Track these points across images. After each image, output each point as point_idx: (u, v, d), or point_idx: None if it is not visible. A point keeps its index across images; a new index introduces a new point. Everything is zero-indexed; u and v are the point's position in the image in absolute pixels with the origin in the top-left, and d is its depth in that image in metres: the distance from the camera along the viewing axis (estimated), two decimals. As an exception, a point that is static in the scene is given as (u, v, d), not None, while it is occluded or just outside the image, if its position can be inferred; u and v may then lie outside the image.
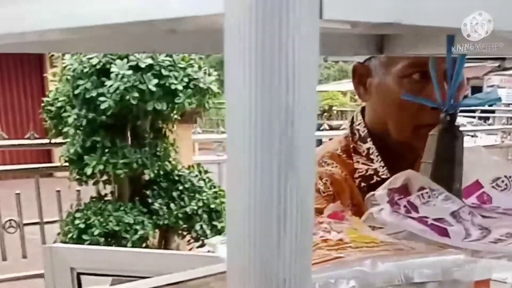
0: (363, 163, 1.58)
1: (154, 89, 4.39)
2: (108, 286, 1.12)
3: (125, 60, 4.36)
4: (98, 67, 4.46)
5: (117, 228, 4.78)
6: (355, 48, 1.23)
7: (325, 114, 17.30)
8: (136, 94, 4.37)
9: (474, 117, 15.90)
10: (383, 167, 1.56)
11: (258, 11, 0.39)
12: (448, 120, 1.17)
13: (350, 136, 1.65)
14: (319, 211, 1.22)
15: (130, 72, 4.35)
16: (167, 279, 0.97)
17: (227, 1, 0.40)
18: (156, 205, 5.07)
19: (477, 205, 1.20)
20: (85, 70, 4.48)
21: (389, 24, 0.44)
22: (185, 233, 5.33)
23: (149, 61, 4.36)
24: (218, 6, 0.40)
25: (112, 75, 4.36)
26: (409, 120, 1.50)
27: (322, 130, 6.44)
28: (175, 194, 5.12)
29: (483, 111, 15.74)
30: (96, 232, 4.78)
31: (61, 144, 5.05)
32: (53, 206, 5.46)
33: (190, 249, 5.37)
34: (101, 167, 4.69)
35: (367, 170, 1.57)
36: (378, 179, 1.54)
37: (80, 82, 4.49)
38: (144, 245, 4.92)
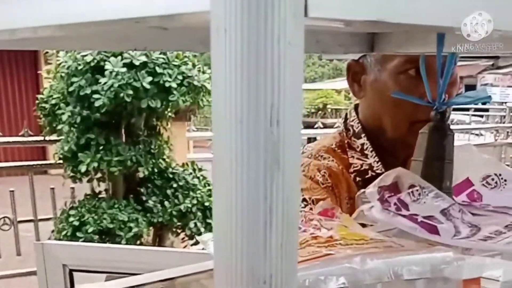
0: (357, 158, 1.59)
1: (148, 86, 4.39)
2: (100, 283, 1.12)
3: (119, 57, 4.36)
4: (92, 64, 4.47)
5: (111, 226, 4.79)
6: (346, 46, 1.23)
7: (320, 112, 17.30)
8: (130, 92, 4.37)
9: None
10: (377, 162, 1.57)
11: (244, 9, 0.39)
12: (439, 118, 1.18)
13: (344, 132, 1.66)
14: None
15: (124, 69, 4.35)
16: (158, 276, 0.97)
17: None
18: (150, 203, 5.07)
19: (468, 203, 1.21)
20: (80, 68, 4.49)
21: (374, 22, 0.45)
22: (179, 230, 5.34)
23: (143, 58, 4.37)
24: (204, 4, 0.41)
25: (106, 73, 4.36)
26: (404, 116, 1.51)
27: (316, 128, 6.45)
28: (169, 191, 5.13)
29: (477, 110, 15.78)
30: (90, 230, 4.78)
31: (55, 141, 5.05)
32: (48, 203, 5.46)
33: (185, 247, 5.38)
34: (95, 164, 4.70)
35: (362, 165, 1.58)
36: (373, 174, 1.55)
37: (75, 79, 4.50)
38: (138, 242, 4.93)
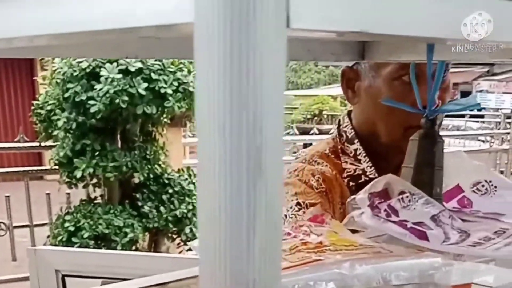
0: (351, 163, 1.60)
1: (143, 92, 4.40)
2: (93, 288, 1.13)
3: (115, 64, 4.37)
4: (88, 70, 4.47)
5: (106, 231, 4.79)
6: (337, 54, 1.24)
7: (316, 118, 17.30)
8: (126, 98, 4.38)
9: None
10: (370, 167, 1.58)
11: (226, 21, 0.40)
12: (429, 125, 1.19)
13: (338, 137, 1.67)
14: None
15: (119, 75, 4.36)
16: (148, 281, 0.98)
17: (197, 11, 0.41)
18: (146, 208, 5.07)
19: (458, 209, 1.22)
20: (75, 74, 4.49)
21: (356, 33, 0.46)
22: (174, 236, 5.34)
23: (139, 65, 4.38)
24: (188, 15, 0.41)
25: (102, 79, 4.37)
26: (398, 122, 1.51)
27: (312, 134, 6.46)
28: (164, 197, 5.13)
29: (472, 116, 15.79)
30: (85, 235, 4.78)
31: (51, 147, 5.05)
32: (44, 209, 5.46)
33: (180, 252, 5.39)
34: (91, 170, 4.70)
35: (355, 170, 1.59)
36: (366, 178, 1.56)
37: (70, 85, 4.50)
38: (134, 248, 4.93)
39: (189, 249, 5.14)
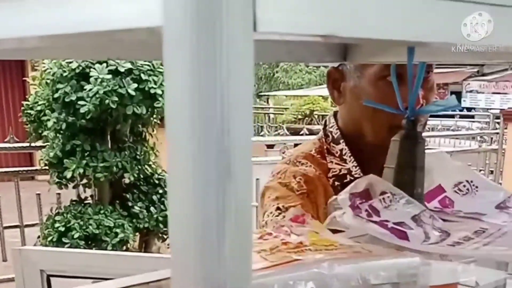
0: (336, 163, 1.61)
1: (133, 93, 4.41)
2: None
3: (104, 64, 4.38)
4: (77, 71, 4.48)
5: (97, 231, 4.79)
6: (319, 56, 1.25)
7: (306, 118, 17.30)
8: (116, 98, 4.38)
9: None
10: (356, 167, 1.58)
11: (194, 25, 0.41)
12: (410, 126, 1.20)
13: (324, 138, 1.68)
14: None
15: (109, 76, 4.37)
16: (131, 280, 0.98)
17: (166, 15, 0.42)
18: (136, 209, 5.08)
19: (439, 209, 1.23)
20: (65, 74, 4.50)
21: (324, 37, 0.47)
22: (165, 236, 5.35)
23: (129, 65, 4.39)
24: (156, 19, 0.42)
25: (92, 79, 4.38)
26: (383, 122, 1.51)
27: (302, 134, 6.47)
28: (155, 197, 5.14)
29: (462, 116, 15.84)
30: (76, 235, 4.78)
31: (41, 147, 5.06)
32: (35, 209, 5.46)
33: (170, 253, 5.39)
34: (81, 170, 4.71)
35: (340, 170, 1.59)
36: (352, 178, 1.56)
37: (60, 86, 4.51)
38: (124, 248, 4.94)
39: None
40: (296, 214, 1.07)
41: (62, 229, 4.85)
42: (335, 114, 1.71)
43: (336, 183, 1.59)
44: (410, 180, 1.18)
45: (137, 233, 5.20)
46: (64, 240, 4.82)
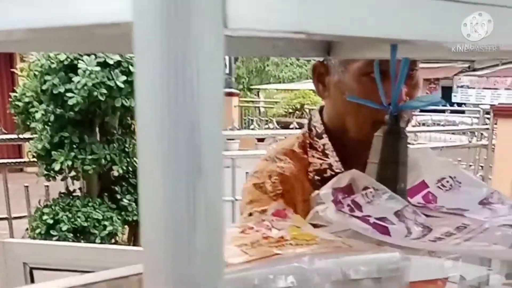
0: (318, 158, 1.60)
1: (122, 85, 4.40)
2: (53, 281, 1.13)
3: (93, 56, 4.37)
4: (66, 63, 4.47)
5: (85, 224, 4.78)
6: (303, 51, 1.25)
7: (297, 112, 17.30)
8: (104, 91, 4.38)
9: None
10: (337, 161, 1.58)
11: (163, 21, 0.41)
12: (393, 121, 1.20)
13: (308, 132, 1.68)
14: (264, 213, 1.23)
15: (98, 68, 4.36)
16: (111, 274, 0.98)
17: (135, 10, 0.42)
18: (125, 201, 5.08)
19: (423, 204, 1.23)
20: (53, 66, 4.49)
21: (296, 33, 0.47)
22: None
23: (117, 57, 4.38)
24: (126, 15, 0.42)
25: (80, 71, 4.37)
26: (367, 117, 1.51)
27: (292, 128, 6.47)
28: (144, 190, 5.12)
29: (453, 111, 15.85)
30: (64, 228, 4.78)
31: (29, 139, 5.05)
32: (24, 201, 5.44)
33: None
34: (69, 162, 4.70)
35: (321, 164, 1.59)
36: (332, 173, 1.56)
37: (48, 77, 4.50)
38: (113, 241, 4.94)
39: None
40: (277, 209, 1.07)
41: (50, 221, 4.84)
42: (321, 109, 1.71)
43: (316, 177, 1.58)
44: (393, 176, 1.19)
45: (126, 226, 5.20)
46: (52, 232, 4.81)
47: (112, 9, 0.44)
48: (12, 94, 4.95)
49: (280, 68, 25.65)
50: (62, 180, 5.18)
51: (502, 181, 7.05)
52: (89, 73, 4.34)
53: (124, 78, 4.40)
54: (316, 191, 1.14)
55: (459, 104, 18.41)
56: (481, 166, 8.99)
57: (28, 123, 4.91)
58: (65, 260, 1.28)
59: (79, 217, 4.79)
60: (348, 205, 1.10)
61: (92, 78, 4.33)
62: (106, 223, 4.84)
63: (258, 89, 24.95)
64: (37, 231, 4.87)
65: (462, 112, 17.28)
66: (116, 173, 5.09)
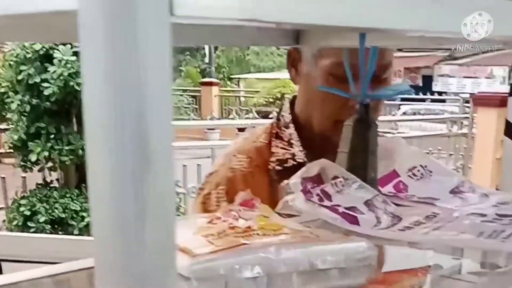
0: (282, 148, 1.60)
1: (99, 75, 4.38)
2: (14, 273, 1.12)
3: (69, 46, 4.34)
4: (41, 52, 4.44)
5: (63, 215, 4.77)
6: (273, 39, 1.24)
7: (277, 102, 17.31)
8: (80, 80, 4.35)
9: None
10: (301, 151, 1.58)
11: (108, 8, 0.40)
12: (362, 110, 1.20)
13: (276, 122, 1.67)
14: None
15: (74, 58, 4.33)
16: (78, 265, 0.98)
17: (80, -2, 0.41)
18: (103, 192, 5.05)
19: (394, 193, 1.23)
20: (28, 56, 4.46)
21: (246, 21, 0.46)
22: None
23: (94, 47, 4.36)
24: (72, 2, 0.41)
25: (55, 61, 4.35)
26: (330, 115, 1.52)
27: (271, 118, 6.46)
28: (122, 181, 5.11)
29: (433, 100, 15.93)
30: (42, 219, 4.76)
31: (5, 130, 5.02)
32: (0, 193, 5.42)
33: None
34: (46, 153, 4.68)
35: (284, 154, 1.59)
36: (294, 162, 1.56)
37: (23, 67, 4.47)
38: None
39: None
40: (245, 199, 1.07)
41: (28, 213, 4.82)
42: (293, 98, 1.71)
43: (277, 167, 1.58)
44: (363, 165, 1.18)
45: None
46: (29, 224, 4.79)
47: (57, -3, 0.43)
48: (-13, 85, 4.92)
49: (260, 57, 25.63)
50: (39, 171, 5.15)
51: (482, 169, 7.10)
52: (65, 63, 4.32)
53: (101, 68, 4.38)
54: (285, 181, 1.13)
55: (440, 93, 18.50)
56: (462, 155, 9.05)
57: (4, 114, 4.89)
58: (35, 251, 1.27)
59: (56, 208, 4.77)
60: (317, 195, 1.09)
61: (68, 67, 4.31)
62: (84, 214, 4.82)
63: (239, 78, 24.95)
64: (14, 222, 4.85)
65: (443, 101, 17.37)
66: (94, 164, 5.07)
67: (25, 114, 4.68)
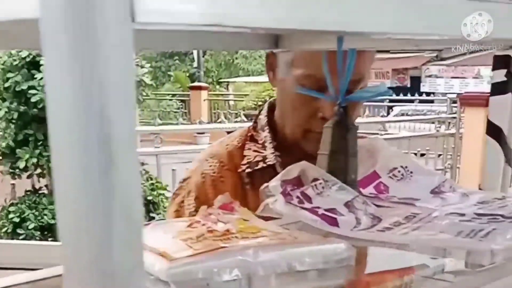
0: (254, 151, 1.60)
1: (86, 81, 4.38)
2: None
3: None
4: (28, 59, 4.44)
5: (52, 222, 4.76)
6: (250, 43, 1.25)
7: (266, 105, 17.28)
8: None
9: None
10: (272, 153, 1.58)
11: (70, 17, 0.41)
12: (341, 113, 1.20)
13: (253, 125, 1.68)
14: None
15: (60, 64, 4.33)
16: (58, 270, 0.98)
17: (42, 6, 0.41)
18: (92, 198, 5.04)
19: (374, 195, 1.24)
20: (15, 63, 4.46)
21: (210, 26, 0.46)
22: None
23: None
24: (34, 11, 0.42)
25: (43, 68, 4.33)
26: (300, 123, 1.53)
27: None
28: (111, 187, 5.11)
29: (421, 101, 15.96)
30: (31, 226, 4.76)
31: (-7, 138, 5.01)
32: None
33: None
34: (35, 160, 4.67)
35: (255, 157, 1.59)
36: (264, 165, 1.57)
37: (10, 75, 4.47)
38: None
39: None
40: (224, 202, 1.07)
41: (17, 220, 4.81)
42: (273, 102, 1.71)
43: (247, 170, 1.59)
44: (343, 167, 1.19)
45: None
46: (19, 231, 4.78)
47: (20, 6, 0.43)
48: (-25, 92, 4.91)
49: (249, 61, 25.61)
50: (28, 177, 5.14)
51: (470, 169, 7.11)
52: (52, 70, 4.31)
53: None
54: (265, 184, 1.14)
55: (428, 94, 18.55)
56: (450, 155, 9.08)
57: (-9, 121, 4.88)
58: (8, 258, 1.27)
59: (45, 214, 4.76)
60: (297, 197, 1.10)
61: (55, 74, 4.31)
62: (74, 220, 4.80)
63: (227, 82, 24.94)
64: (4, 230, 4.85)
65: (431, 101, 17.40)
66: (82, 170, 5.06)
67: (13, 121, 4.68)
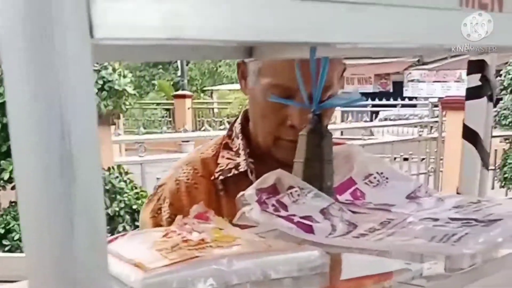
0: (228, 158, 1.61)
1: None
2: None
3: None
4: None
5: (37, 233, 4.73)
6: (224, 52, 1.25)
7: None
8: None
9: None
10: (245, 160, 1.59)
11: (28, 33, 0.41)
12: (315, 120, 1.21)
13: (229, 132, 1.69)
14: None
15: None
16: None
17: (1, 22, 0.42)
18: (77, 208, 5.03)
19: (351, 201, 1.24)
20: (-1, 74, 4.45)
21: (170, 40, 0.47)
22: (108, 234, 5.31)
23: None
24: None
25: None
26: (270, 131, 1.54)
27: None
28: (96, 197, 5.10)
29: (404, 106, 16.00)
30: (16, 237, 4.75)
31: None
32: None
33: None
34: (18, 171, 4.65)
35: (227, 164, 1.60)
36: (236, 172, 1.58)
37: (-6, 86, 4.46)
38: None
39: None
40: (199, 212, 1.08)
41: (2, 231, 4.80)
42: (247, 111, 1.72)
43: (220, 177, 1.59)
44: (319, 174, 1.20)
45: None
46: (4, 242, 4.77)
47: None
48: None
49: (232, 69, 25.57)
50: (12, 189, 5.12)
51: (453, 173, 7.11)
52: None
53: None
54: (241, 192, 1.14)
55: (410, 98, 18.61)
56: (433, 159, 9.10)
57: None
58: (13, 271, 1.27)
59: (30, 226, 4.75)
60: (273, 205, 1.10)
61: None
62: (59, 231, 4.79)
63: (211, 90, 24.91)
64: (-11, 241, 4.84)
65: (414, 106, 17.45)
66: (66, 180, 5.04)
67: (-4, 133, 4.67)
